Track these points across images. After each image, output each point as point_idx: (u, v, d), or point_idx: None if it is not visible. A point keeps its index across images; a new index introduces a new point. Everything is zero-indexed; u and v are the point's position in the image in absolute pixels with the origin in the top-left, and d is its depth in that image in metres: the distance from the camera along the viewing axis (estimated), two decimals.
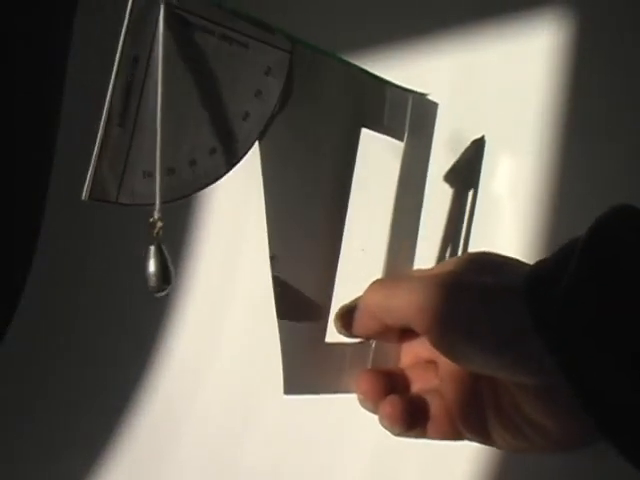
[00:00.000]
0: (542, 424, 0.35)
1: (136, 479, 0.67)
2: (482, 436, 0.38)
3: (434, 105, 0.42)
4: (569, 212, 0.49)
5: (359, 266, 0.39)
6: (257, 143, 0.35)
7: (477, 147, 0.46)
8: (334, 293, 0.38)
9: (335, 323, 0.39)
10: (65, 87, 0.77)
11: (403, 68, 0.56)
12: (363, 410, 0.38)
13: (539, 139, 0.51)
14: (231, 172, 0.34)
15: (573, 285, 0.31)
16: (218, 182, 0.34)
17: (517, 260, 0.37)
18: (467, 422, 0.38)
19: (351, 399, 0.38)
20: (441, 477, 0.54)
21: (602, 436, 0.30)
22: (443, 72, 0.55)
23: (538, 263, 0.34)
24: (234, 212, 0.67)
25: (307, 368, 0.37)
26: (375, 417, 0.38)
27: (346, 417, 0.55)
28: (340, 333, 0.39)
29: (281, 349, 0.36)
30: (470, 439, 0.39)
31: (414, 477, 0.56)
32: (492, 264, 0.37)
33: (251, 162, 0.34)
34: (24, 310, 0.77)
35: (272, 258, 0.35)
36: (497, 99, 0.53)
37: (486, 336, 0.34)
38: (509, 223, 0.52)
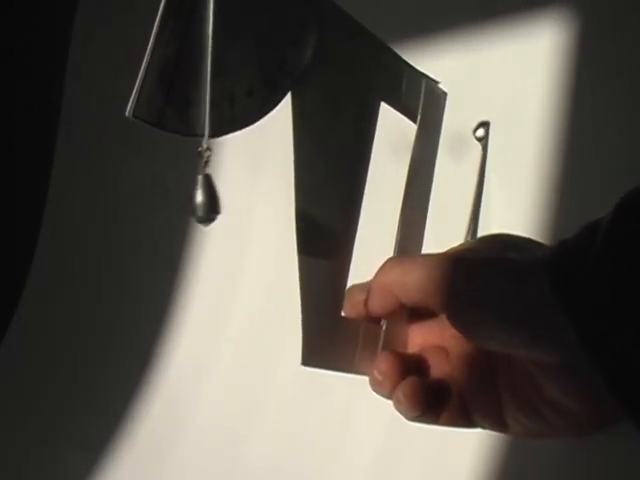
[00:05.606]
0: (562, 403, 0.34)
1: (137, 479, 0.67)
2: (496, 422, 0.37)
3: (444, 94, 0.43)
4: (570, 208, 0.49)
5: (372, 262, 0.39)
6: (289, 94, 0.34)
7: (485, 131, 0.46)
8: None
9: (348, 300, 0.37)
10: (65, 87, 0.77)
11: None
12: (364, 409, 0.38)
13: (540, 138, 0.51)
14: (233, 173, 0.34)
15: (600, 257, 0.30)
16: (221, 178, 0.33)
17: (538, 241, 0.36)
18: (481, 407, 0.37)
19: (353, 397, 0.38)
20: (445, 472, 0.54)
21: (626, 416, 0.29)
22: (444, 72, 0.55)
23: (563, 240, 0.33)
24: (237, 207, 0.67)
25: (324, 339, 0.36)
26: (376, 415, 0.38)
27: (347, 416, 0.55)
28: (351, 313, 0.38)
29: (302, 317, 0.35)
30: (482, 426, 0.38)
31: (416, 475, 0.56)
32: (514, 242, 0.36)
33: (251, 164, 0.34)
34: (24, 310, 0.77)
35: (297, 205, 0.35)
36: (498, 99, 0.53)
37: (510, 311, 0.32)
38: (511, 221, 0.52)
